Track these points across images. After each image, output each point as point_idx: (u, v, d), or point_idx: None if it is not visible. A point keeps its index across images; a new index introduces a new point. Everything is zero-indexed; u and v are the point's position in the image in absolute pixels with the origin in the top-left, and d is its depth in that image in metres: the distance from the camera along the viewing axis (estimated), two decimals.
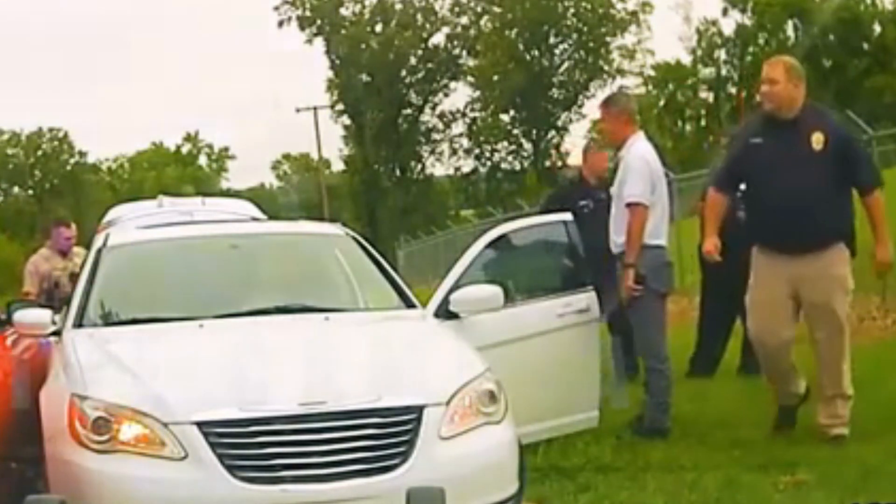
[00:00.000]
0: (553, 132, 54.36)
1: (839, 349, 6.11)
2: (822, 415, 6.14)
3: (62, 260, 8.90)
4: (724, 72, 48.14)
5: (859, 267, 6.18)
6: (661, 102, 49.04)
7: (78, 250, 8.62)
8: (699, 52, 48.64)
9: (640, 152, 6.67)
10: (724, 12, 47.55)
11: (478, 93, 55.04)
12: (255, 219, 8.18)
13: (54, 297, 8.09)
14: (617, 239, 6.63)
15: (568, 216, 6.89)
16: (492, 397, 4.59)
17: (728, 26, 47.81)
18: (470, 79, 55.28)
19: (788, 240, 6.05)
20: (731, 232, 8.04)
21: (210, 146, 76.35)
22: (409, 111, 55.89)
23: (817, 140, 5.89)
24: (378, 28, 55.41)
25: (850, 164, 5.97)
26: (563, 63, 54.51)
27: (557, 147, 54.77)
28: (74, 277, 6.89)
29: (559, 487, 5.64)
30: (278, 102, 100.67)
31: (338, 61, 54.73)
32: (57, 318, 5.42)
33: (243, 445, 4.17)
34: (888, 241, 5.97)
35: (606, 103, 7.10)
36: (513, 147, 55.08)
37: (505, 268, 6.46)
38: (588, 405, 6.29)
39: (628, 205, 6.50)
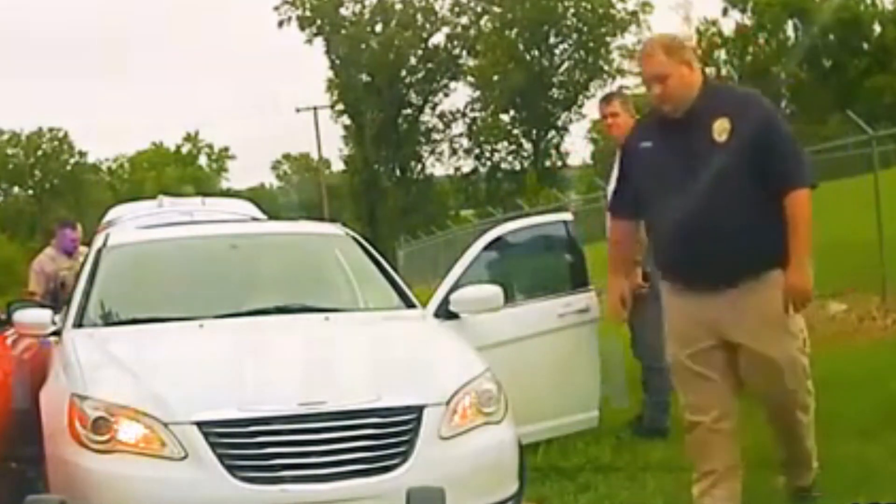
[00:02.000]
0: (553, 132, 54.36)
1: (791, 414, 4.81)
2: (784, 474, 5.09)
3: (68, 260, 8.93)
4: (724, 72, 48.12)
5: (859, 265, 6.18)
6: None
7: (83, 250, 8.64)
8: (699, 52, 48.60)
9: None
10: (724, 12, 47.57)
11: (478, 93, 55.07)
12: (255, 219, 8.18)
13: (59, 298, 8.11)
14: None
15: (568, 216, 6.90)
16: (492, 397, 4.59)
17: (728, 26, 47.84)
18: (470, 79, 55.30)
19: (693, 273, 4.50)
20: None
21: (210, 146, 76.37)
22: (409, 111, 55.89)
23: (721, 128, 4.30)
24: (378, 28, 55.42)
25: (767, 154, 4.30)
26: (563, 63, 54.52)
27: (557, 147, 54.79)
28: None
29: (559, 487, 5.64)
30: (278, 102, 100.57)
31: (338, 61, 54.74)
32: (57, 318, 5.43)
33: (243, 445, 4.17)
34: (806, 262, 4.32)
35: (621, 97, 7.07)
36: (513, 147, 55.10)
37: (505, 268, 6.46)
38: (588, 405, 6.29)
39: None
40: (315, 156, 54.93)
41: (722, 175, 4.28)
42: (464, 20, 55.70)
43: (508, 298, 5.91)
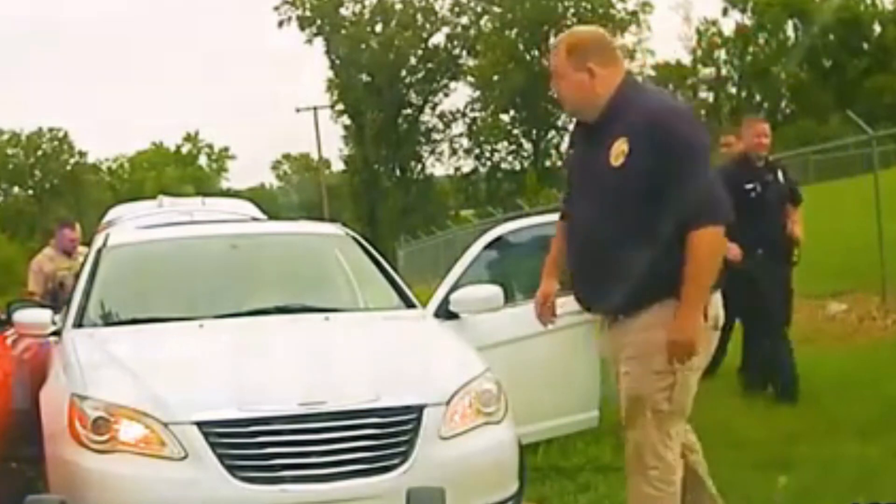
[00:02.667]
0: (553, 132, 54.38)
1: (638, 474, 4.01)
2: None
3: (67, 260, 8.94)
4: (724, 72, 48.16)
5: (859, 265, 6.19)
6: None
7: (82, 250, 8.65)
8: (699, 52, 48.66)
9: None
10: (724, 12, 47.62)
11: (478, 93, 55.10)
12: (255, 219, 8.18)
13: (59, 298, 8.11)
14: None
15: None
16: (492, 397, 4.59)
17: (728, 26, 47.87)
18: (470, 79, 55.34)
19: (583, 297, 4.20)
20: (728, 233, 8.10)
21: (210, 146, 76.38)
22: (409, 111, 55.92)
23: (617, 151, 3.76)
24: (378, 28, 55.44)
25: (667, 183, 3.70)
26: None
27: (557, 147, 54.79)
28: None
29: (559, 487, 5.64)
30: (278, 102, 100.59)
31: (338, 61, 54.76)
32: (57, 318, 5.42)
33: (243, 445, 4.17)
34: (696, 311, 3.78)
35: None
36: (513, 147, 55.13)
37: (505, 268, 6.46)
38: (588, 405, 6.29)
39: None
40: (315, 156, 55.00)
41: (613, 202, 3.79)
42: (464, 20, 55.76)
43: (508, 298, 5.90)
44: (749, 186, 7.29)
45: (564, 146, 54.11)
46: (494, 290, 5.73)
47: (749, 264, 7.23)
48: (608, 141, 3.79)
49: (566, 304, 6.32)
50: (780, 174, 7.49)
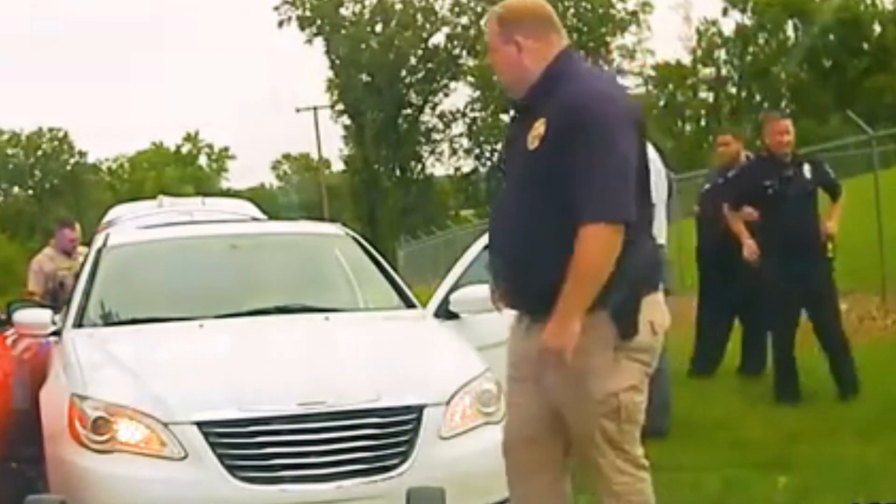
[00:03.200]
0: None
1: (608, 497, 3.68)
2: None
3: (67, 260, 8.95)
4: (724, 72, 48.16)
5: (859, 265, 6.19)
6: (661, 102, 49.06)
7: (82, 250, 8.66)
8: (699, 52, 48.66)
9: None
10: (724, 12, 47.60)
11: (478, 93, 55.07)
12: (255, 219, 8.18)
13: (59, 297, 8.11)
14: None
15: None
16: (492, 397, 4.59)
17: (728, 26, 47.86)
18: (470, 79, 55.30)
19: (503, 292, 3.68)
20: (728, 233, 8.10)
21: (210, 146, 76.35)
22: (409, 111, 55.89)
23: (535, 133, 3.39)
24: (378, 28, 55.42)
25: (569, 172, 3.30)
26: None
27: None
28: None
29: None
30: (278, 102, 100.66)
31: (338, 61, 54.73)
32: (57, 318, 5.43)
33: (243, 445, 4.17)
34: (574, 314, 3.26)
35: None
36: None
37: None
38: None
39: None
40: (315, 156, 54.98)
41: (525, 188, 3.42)
42: (464, 20, 55.69)
43: None
44: (767, 184, 7.24)
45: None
46: None
47: (764, 261, 7.24)
48: (530, 121, 3.42)
49: None
50: (805, 169, 7.28)
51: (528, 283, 3.42)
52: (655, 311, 3.46)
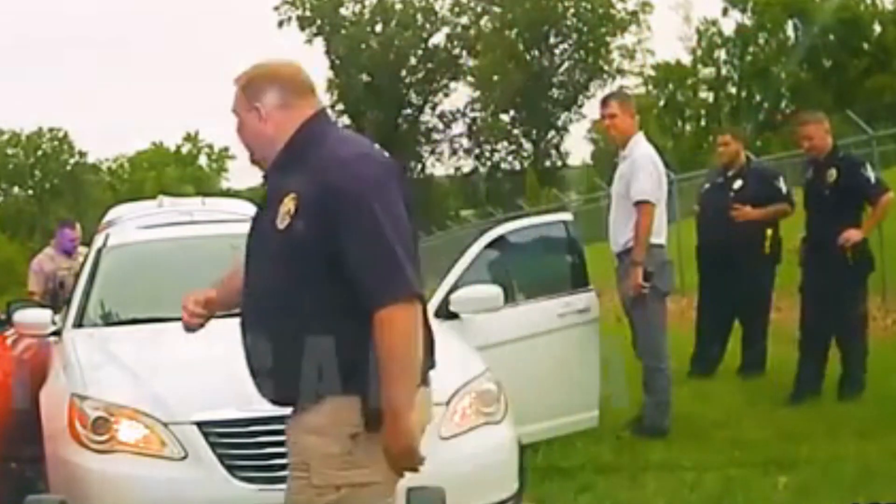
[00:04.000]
0: (553, 132, 54.40)
1: None
2: None
3: (67, 260, 8.95)
4: (724, 72, 48.16)
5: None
6: (661, 102, 49.07)
7: (83, 250, 8.67)
8: (699, 52, 48.66)
9: (647, 151, 6.67)
10: (724, 12, 47.60)
11: (478, 93, 55.10)
12: None
13: (59, 297, 8.12)
14: (620, 238, 6.63)
15: (568, 216, 6.91)
16: (492, 397, 4.59)
17: (728, 26, 47.86)
18: (470, 79, 55.35)
19: (253, 379, 3.33)
20: (727, 233, 8.10)
21: (210, 146, 76.31)
22: (409, 111, 55.95)
23: (285, 210, 3.01)
24: (378, 28, 55.47)
25: (341, 253, 2.93)
26: (563, 63, 54.55)
27: (557, 147, 54.84)
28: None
29: (559, 487, 5.64)
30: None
31: (338, 61, 54.77)
32: (57, 318, 5.42)
33: (243, 445, 4.17)
34: (399, 411, 2.93)
35: (617, 97, 7.07)
36: (513, 147, 55.15)
37: (505, 268, 6.46)
38: (588, 405, 6.29)
39: (637, 203, 6.49)
40: None
41: (277, 271, 3.03)
42: (464, 20, 55.76)
43: (508, 298, 5.91)
44: (806, 186, 7.30)
45: (564, 146, 54.28)
46: (494, 290, 5.73)
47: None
48: (279, 196, 3.02)
49: (568, 303, 6.37)
50: (831, 173, 7.06)
51: (282, 374, 3.05)
52: (426, 403, 3.11)
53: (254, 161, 3.23)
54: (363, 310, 2.88)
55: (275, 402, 3.15)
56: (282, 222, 2.98)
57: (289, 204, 2.97)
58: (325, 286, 2.95)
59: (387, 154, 3.13)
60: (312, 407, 2.98)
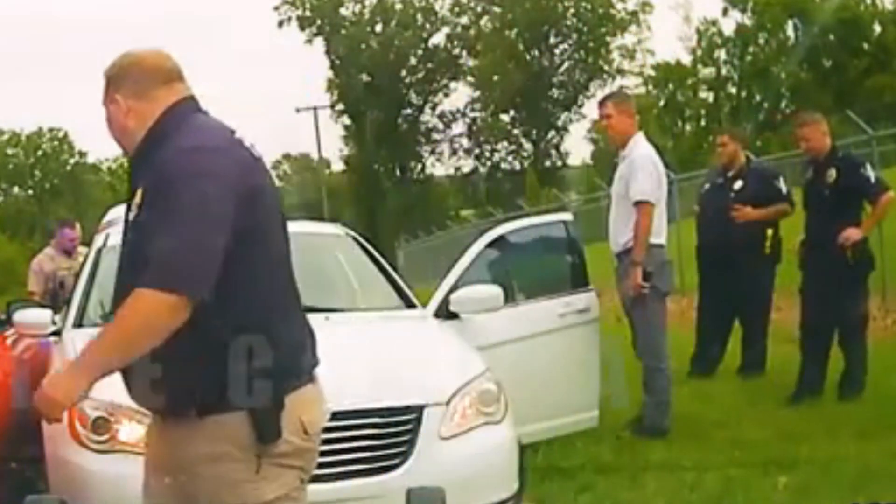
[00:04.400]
0: (553, 132, 54.37)
1: None
2: None
3: (67, 260, 8.95)
4: (724, 72, 48.13)
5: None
6: (661, 102, 49.04)
7: (82, 250, 8.67)
8: (699, 52, 48.65)
9: (646, 151, 6.67)
10: (724, 12, 47.58)
11: (478, 93, 55.07)
12: None
13: (59, 297, 8.12)
14: (620, 238, 6.63)
15: (568, 216, 6.92)
16: (492, 397, 4.60)
17: (728, 26, 47.85)
18: (470, 79, 55.31)
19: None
20: (727, 233, 8.11)
21: None
22: (409, 111, 55.91)
23: (136, 202, 2.92)
24: (378, 28, 55.43)
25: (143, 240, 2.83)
26: (563, 63, 54.52)
27: (557, 147, 54.81)
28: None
29: (559, 487, 5.64)
30: (278, 102, 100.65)
31: (338, 61, 54.74)
32: (57, 318, 5.42)
33: None
34: (77, 370, 2.83)
35: (614, 98, 7.07)
36: (513, 147, 55.12)
37: (505, 268, 6.46)
38: (588, 405, 6.29)
39: (637, 203, 6.49)
40: (315, 156, 54.98)
41: (132, 265, 2.87)
42: (464, 20, 55.71)
43: (508, 298, 5.91)
44: (805, 186, 7.30)
45: (564, 146, 54.28)
46: (494, 290, 5.73)
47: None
48: (135, 189, 2.91)
49: (568, 303, 6.37)
50: (830, 173, 7.05)
51: (153, 383, 2.84)
52: (306, 407, 2.91)
53: (127, 156, 3.05)
54: (228, 310, 2.74)
55: (154, 412, 2.96)
56: (132, 216, 2.89)
57: (138, 197, 2.86)
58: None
59: (252, 147, 2.92)
60: (183, 421, 2.80)
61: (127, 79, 2.99)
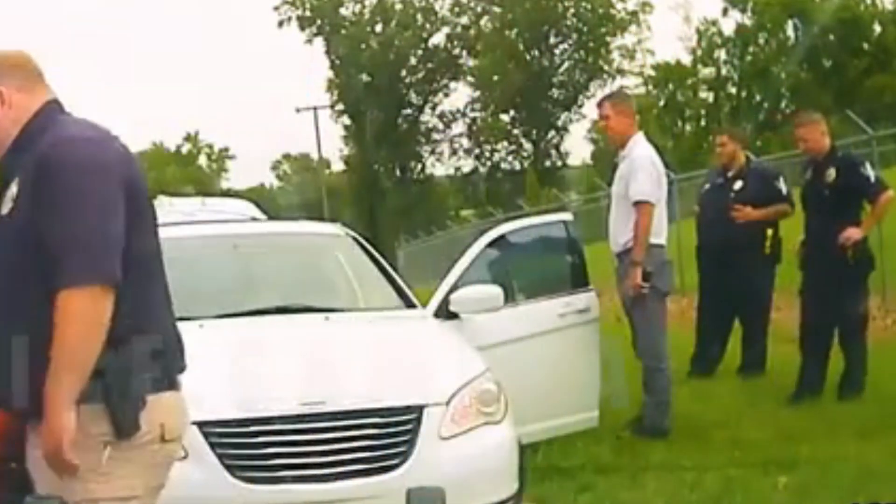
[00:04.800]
0: (553, 132, 54.35)
1: None
2: None
3: None
4: (724, 72, 48.14)
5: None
6: (661, 102, 49.04)
7: None
8: (699, 52, 48.64)
9: (646, 151, 6.68)
10: (724, 12, 47.58)
11: (478, 93, 55.06)
12: (254, 219, 8.19)
13: None
14: (620, 238, 6.63)
15: (568, 216, 6.92)
16: (492, 397, 4.59)
17: (728, 26, 47.85)
18: (470, 79, 55.31)
19: None
20: (727, 233, 8.11)
21: (210, 146, 76.38)
22: (409, 111, 55.91)
23: (9, 196, 2.87)
24: (378, 28, 55.42)
25: (45, 234, 2.74)
26: (563, 63, 54.52)
27: (557, 147, 54.79)
28: None
29: (559, 487, 5.64)
30: (278, 102, 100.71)
31: (338, 61, 54.74)
32: None
33: (243, 445, 4.17)
34: (57, 406, 2.83)
35: (612, 99, 7.07)
36: (513, 147, 55.10)
37: (505, 268, 6.46)
38: (588, 405, 6.29)
39: (636, 203, 6.50)
40: (315, 156, 55.00)
41: (4, 262, 2.77)
42: (464, 20, 55.70)
43: (509, 298, 5.91)
44: (805, 186, 7.30)
45: (564, 146, 54.27)
46: (494, 290, 5.74)
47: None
48: (9, 180, 2.82)
49: (568, 303, 6.37)
50: (830, 173, 7.03)
51: (23, 377, 2.87)
52: (168, 413, 2.90)
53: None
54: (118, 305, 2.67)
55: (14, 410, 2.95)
56: (5, 207, 2.79)
57: (13, 188, 2.78)
58: (44, 276, 2.66)
59: (122, 141, 2.94)
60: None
61: (9, 72, 2.95)
